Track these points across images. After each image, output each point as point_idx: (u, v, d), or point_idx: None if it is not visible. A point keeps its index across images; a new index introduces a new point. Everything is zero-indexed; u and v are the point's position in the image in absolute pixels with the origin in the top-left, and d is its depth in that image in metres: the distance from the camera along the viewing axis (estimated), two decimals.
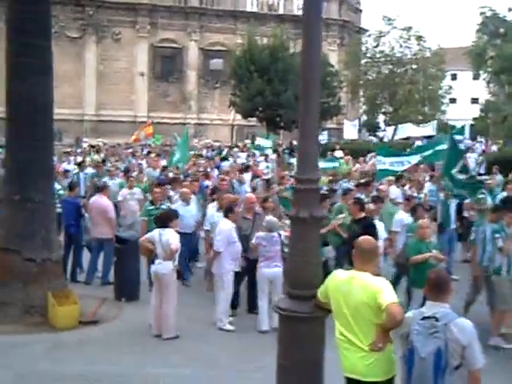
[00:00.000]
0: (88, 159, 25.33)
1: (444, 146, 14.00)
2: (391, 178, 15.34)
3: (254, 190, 17.21)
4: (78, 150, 33.35)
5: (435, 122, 40.73)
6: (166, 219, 9.60)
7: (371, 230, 8.96)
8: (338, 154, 29.40)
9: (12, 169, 10.35)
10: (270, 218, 10.17)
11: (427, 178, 16.78)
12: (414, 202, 12.15)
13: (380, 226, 10.69)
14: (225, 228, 9.92)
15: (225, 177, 15.96)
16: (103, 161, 23.83)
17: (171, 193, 13.55)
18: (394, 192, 15.08)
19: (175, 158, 20.11)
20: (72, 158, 26.22)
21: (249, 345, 9.05)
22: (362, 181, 15.54)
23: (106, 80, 51.89)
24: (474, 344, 4.61)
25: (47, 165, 10.50)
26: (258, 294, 9.86)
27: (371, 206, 10.89)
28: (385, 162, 14.93)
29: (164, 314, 9.15)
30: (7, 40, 10.28)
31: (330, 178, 16.23)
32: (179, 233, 9.71)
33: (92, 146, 35.80)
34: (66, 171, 19.66)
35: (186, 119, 52.48)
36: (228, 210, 10.18)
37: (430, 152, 15.00)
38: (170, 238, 9.19)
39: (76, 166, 21.31)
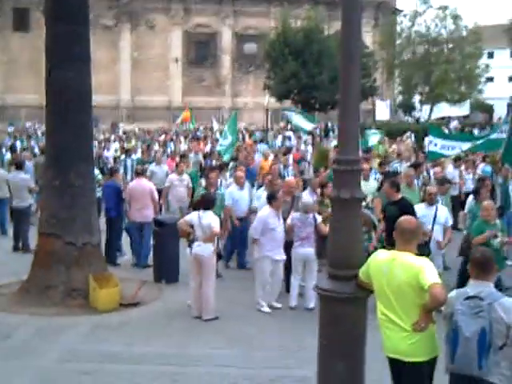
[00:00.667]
0: (126, 145, 25.59)
1: (497, 135, 13.80)
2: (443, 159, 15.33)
3: (302, 173, 17.16)
4: (113, 136, 33.86)
5: (468, 101, 40.32)
6: (209, 202, 9.63)
7: (409, 211, 8.83)
8: None
9: (52, 155, 10.51)
10: (306, 199, 10.16)
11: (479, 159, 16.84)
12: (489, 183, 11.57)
13: (443, 210, 10.24)
14: (262, 215, 9.94)
15: (275, 161, 15.99)
16: (148, 145, 24.11)
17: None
18: (452, 173, 15.23)
19: (226, 141, 19.01)
20: (113, 145, 26.55)
21: (288, 325, 9.08)
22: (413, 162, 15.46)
23: (140, 67, 52.26)
24: None
25: (86, 150, 10.62)
26: (292, 273, 9.92)
27: (432, 189, 10.45)
28: (436, 144, 14.79)
29: (204, 295, 9.20)
30: (46, 29, 10.39)
31: (379, 160, 16.04)
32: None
33: (124, 133, 36.18)
34: (116, 158, 20.44)
35: (220, 103, 52.56)
36: (271, 197, 10.15)
37: (482, 141, 14.81)
38: (211, 221, 9.23)
39: (119, 153, 21.70)
